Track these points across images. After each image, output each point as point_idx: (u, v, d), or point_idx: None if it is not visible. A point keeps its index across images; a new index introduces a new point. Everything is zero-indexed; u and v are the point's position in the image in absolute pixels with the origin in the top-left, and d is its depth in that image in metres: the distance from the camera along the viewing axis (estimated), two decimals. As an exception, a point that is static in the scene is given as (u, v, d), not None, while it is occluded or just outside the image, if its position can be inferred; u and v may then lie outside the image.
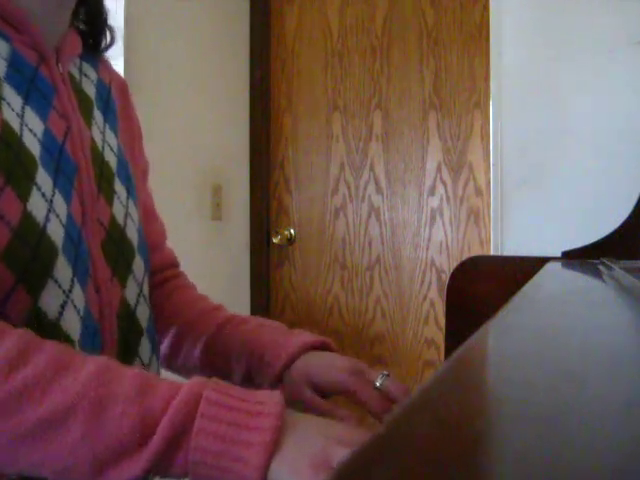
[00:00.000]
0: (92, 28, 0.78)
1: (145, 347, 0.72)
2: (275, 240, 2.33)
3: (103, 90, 0.78)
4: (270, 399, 0.51)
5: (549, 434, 0.24)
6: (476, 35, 2.10)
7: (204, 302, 0.86)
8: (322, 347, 0.75)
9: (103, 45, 0.79)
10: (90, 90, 0.75)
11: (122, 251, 0.71)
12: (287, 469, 0.47)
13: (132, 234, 0.73)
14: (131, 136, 0.83)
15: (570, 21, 1.63)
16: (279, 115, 2.35)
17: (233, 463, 0.47)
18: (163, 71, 1.84)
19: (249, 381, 0.76)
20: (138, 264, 0.73)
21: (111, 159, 0.73)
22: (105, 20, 0.79)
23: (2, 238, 0.55)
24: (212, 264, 2.10)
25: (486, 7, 2.01)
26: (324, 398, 0.71)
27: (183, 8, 1.93)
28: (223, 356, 0.78)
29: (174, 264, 0.92)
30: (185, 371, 0.82)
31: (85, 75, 0.75)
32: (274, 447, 0.47)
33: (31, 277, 0.57)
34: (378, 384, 0.69)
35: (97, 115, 0.74)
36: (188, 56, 1.97)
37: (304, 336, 0.76)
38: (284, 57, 2.34)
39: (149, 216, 0.87)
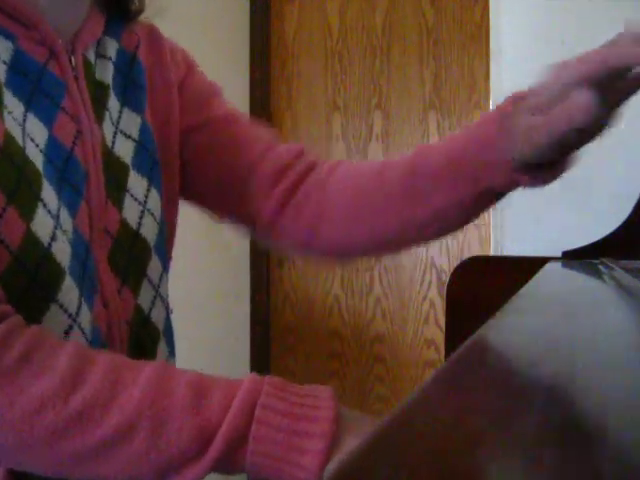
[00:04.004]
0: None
1: (162, 350, 0.70)
2: (275, 240, 2.33)
3: (123, 64, 0.71)
4: (325, 402, 0.51)
5: (549, 434, 0.24)
6: (476, 35, 2.10)
7: (368, 165, 0.74)
8: None
9: (132, 9, 0.71)
10: (106, 74, 0.68)
11: (133, 258, 0.66)
12: None
13: (148, 232, 0.68)
14: (168, 92, 0.74)
15: (570, 21, 1.63)
16: (279, 115, 2.35)
17: (289, 468, 0.48)
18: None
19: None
20: (154, 265, 0.69)
21: (124, 150, 0.68)
22: None
23: (1, 263, 0.52)
24: (212, 264, 2.10)
25: (486, 7, 2.01)
26: None
27: (182, 8, 1.93)
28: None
29: (302, 151, 0.76)
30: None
31: (102, 56, 0.69)
32: (329, 451, 0.48)
33: (31, 304, 0.54)
34: None
35: (112, 102, 0.68)
36: (188, 56, 1.97)
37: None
38: (284, 57, 2.34)
39: (248, 124, 0.77)
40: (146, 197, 0.68)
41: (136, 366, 0.52)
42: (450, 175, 0.65)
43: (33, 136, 0.58)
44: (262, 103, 2.33)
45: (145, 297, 0.68)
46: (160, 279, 0.70)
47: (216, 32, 2.16)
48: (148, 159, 0.69)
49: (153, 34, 0.76)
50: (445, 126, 2.14)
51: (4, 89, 0.57)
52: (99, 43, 0.69)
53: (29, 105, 0.58)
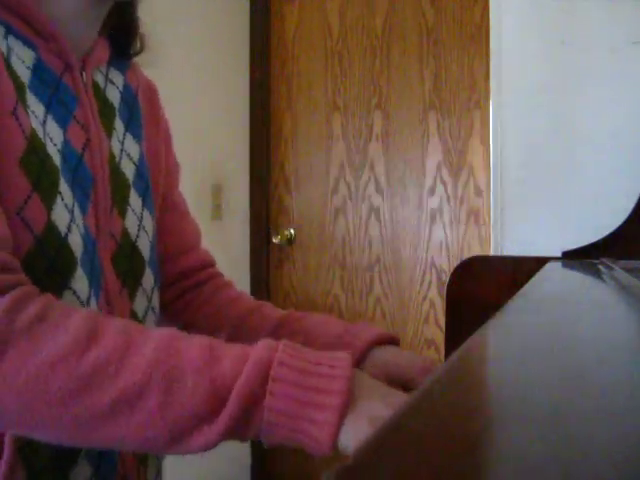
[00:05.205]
0: (122, 36, 0.78)
1: None
2: (275, 240, 2.33)
3: (129, 96, 0.78)
4: (341, 362, 0.51)
5: (549, 433, 0.24)
6: (476, 35, 2.10)
7: (249, 299, 0.85)
8: (389, 341, 0.73)
9: (132, 51, 0.80)
10: (114, 97, 0.75)
11: (132, 264, 0.71)
12: (353, 434, 0.48)
13: (144, 247, 0.73)
14: (157, 141, 0.82)
15: (570, 21, 1.63)
16: (279, 115, 2.35)
17: (305, 424, 0.49)
18: (163, 71, 1.84)
19: None
20: (147, 277, 0.73)
21: (128, 169, 0.73)
22: (136, 29, 0.79)
23: (24, 245, 0.56)
24: (212, 264, 2.10)
25: (486, 7, 2.01)
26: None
27: (183, 8, 1.93)
28: None
29: (211, 264, 0.91)
30: None
31: (111, 82, 0.75)
32: (345, 410, 0.49)
33: (48, 287, 0.57)
34: None
35: (118, 124, 0.74)
36: (188, 56, 1.97)
37: (371, 330, 0.73)
38: (284, 57, 2.34)
39: (183, 218, 0.88)
40: (141, 215, 0.74)
41: (148, 330, 0.54)
42: None
43: (52, 136, 0.62)
44: (262, 103, 2.33)
45: (139, 305, 0.72)
46: (152, 292, 0.74)
47: (216, 32, 2.16)
48: (143, 184, 0.76)
49: (153, 91, 0.85)
50: (445, 126, 2.14)
51: (28, 91, 0.61)
52: (108, 70, 0.76)
53: (48, 109, 0.63)
